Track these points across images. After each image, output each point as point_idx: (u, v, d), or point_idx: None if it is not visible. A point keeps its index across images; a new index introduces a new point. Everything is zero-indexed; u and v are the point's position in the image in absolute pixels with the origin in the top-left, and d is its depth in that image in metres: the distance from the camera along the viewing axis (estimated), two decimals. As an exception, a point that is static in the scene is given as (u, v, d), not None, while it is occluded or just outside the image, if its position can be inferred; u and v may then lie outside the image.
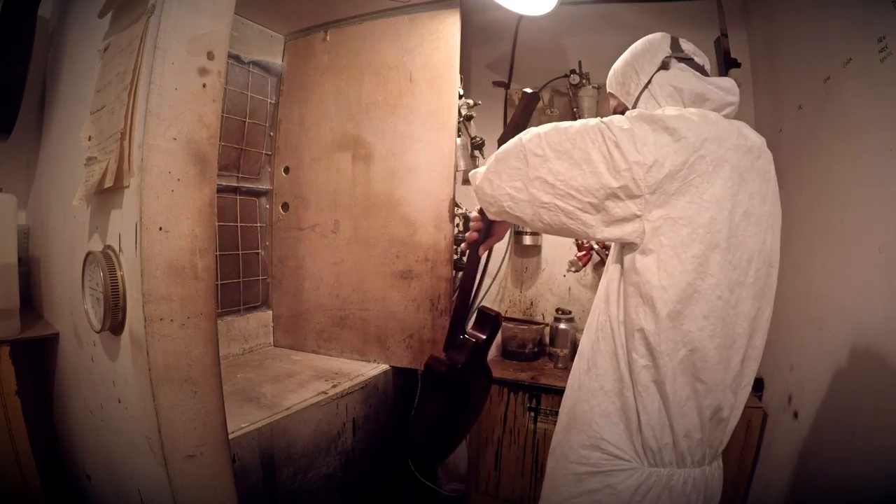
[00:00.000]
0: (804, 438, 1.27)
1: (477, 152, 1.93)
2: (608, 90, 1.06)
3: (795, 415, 1.34)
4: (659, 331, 0.79)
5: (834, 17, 1.26)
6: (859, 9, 1.14)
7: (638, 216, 0.78)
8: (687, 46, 0.96)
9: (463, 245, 1.12)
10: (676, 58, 0.93)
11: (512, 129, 0.97)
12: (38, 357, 1.41)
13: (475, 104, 1.87)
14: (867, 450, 1.01)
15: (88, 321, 0.98)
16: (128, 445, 0.97)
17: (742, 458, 1.57)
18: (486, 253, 1.27)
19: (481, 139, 1.91)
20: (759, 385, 1.62)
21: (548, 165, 0.80)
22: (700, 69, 0.93)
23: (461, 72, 1.74)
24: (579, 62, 1.98)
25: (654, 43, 0.96)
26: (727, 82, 0.93)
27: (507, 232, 1.09)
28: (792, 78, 1.52)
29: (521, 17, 2.07)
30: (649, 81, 0.93)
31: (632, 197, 0.77)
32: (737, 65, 1.80)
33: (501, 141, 0.95)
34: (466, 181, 2.29)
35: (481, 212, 1.07)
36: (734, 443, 1.55)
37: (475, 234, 1.11)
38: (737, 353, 0.83)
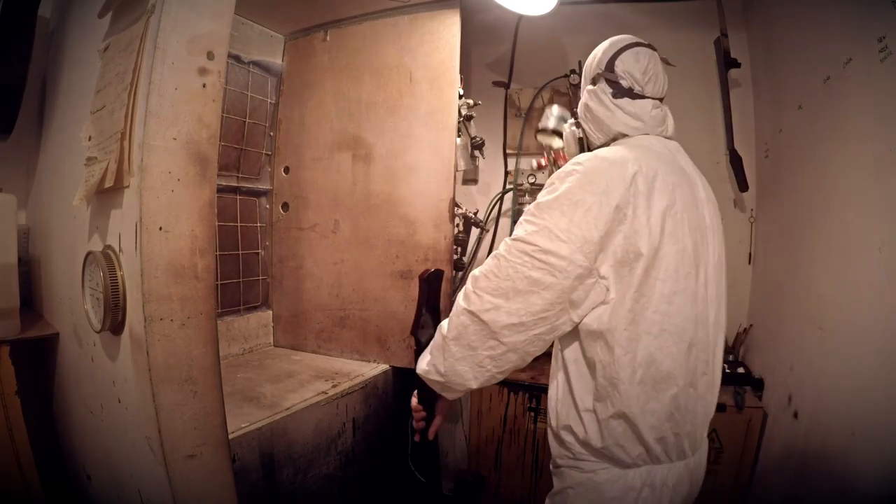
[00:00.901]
0: (804, 438, 1.27)
1: (477, 152, 1.93)
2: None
3: (795, 415, 1.34)
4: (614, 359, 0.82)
5: (834, 17, 1.26)
6: (859, 9, 1.14)
7: (602, 278, 0.81)
8: (622, 65, 0.95)
9: (416, 436, 1.03)
10: (605, 78, 0.96)
11: (423, 312, 1.00)
12: (38, 357, 1.41)
13: (475, 104, 1.87)
14: (867, 450, 1.01)
15: (88, 321, 0.98)
16: (128, 445, 0.97)
17: (742, 458, 1.57)
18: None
19: (481, 139, 1.91)
20: (759, 385, 1.62)
21: (505, 311, 0.78)
22: (626, 92, 0.94)
23: (461, 72, 1.74)
24: (579, 62, 1.98)
25: (599, 52, 1.00)
26: (636, 108, 0.94)
27: (450, 406, 1.01)
28: (792, 78, 1.52)
29: (521, 17, 2.07)
30: (581, 89, 1.03)
31: (588, 275, 0.79)
32: (737, 65, 1.80)
33: (417, 327, 0.97)
34: (466, 181, 2.30)
35: (423, 400, 0.98)
36: (734, 443, 1.56)
37: (422, 423, 1.01)
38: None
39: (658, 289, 0.80)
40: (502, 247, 0.82)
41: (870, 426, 1.02)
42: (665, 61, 1.01)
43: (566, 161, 0.88)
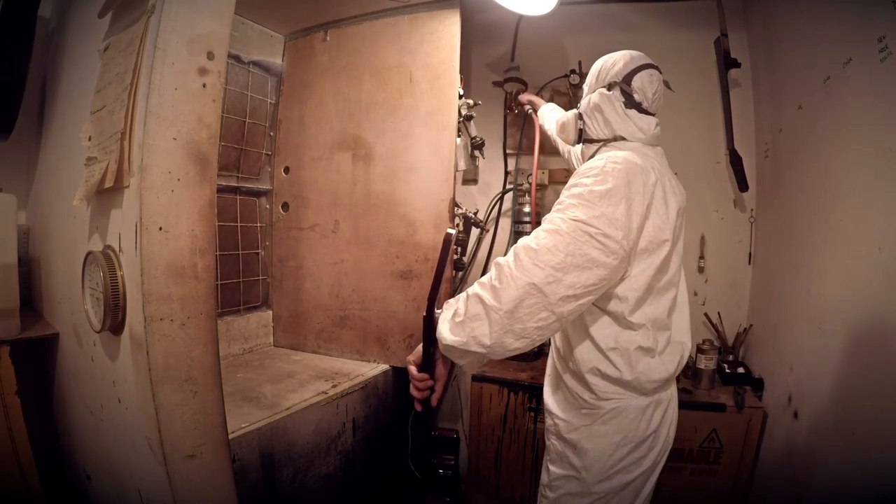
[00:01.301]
0: (804, 438, 1.27)
1: (477, 152, 1.93)
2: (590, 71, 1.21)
3: (795, 415, 1.34)
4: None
5: (834, 17, 1.26)
6: (859, 9, 1.14)
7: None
8: (639, 82, 1.09)
9: (417, 406, 1.02)
10: (621, 88, 1.09)
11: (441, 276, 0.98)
12: (38, 357, 1.41)
13: (475, 104, 1.87)
14: (867, 450, 1.01)
15: (88, 321, 0.99)
16: (128, 445, 0.97)
17: (742, 457, 1.57)
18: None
19: (481, 139, 1.91)
20: (759, 385, 1.62)
21: (564, 283, 0.86)
22: (636, 105, 1.09)
23: (461, 72, 1.74)
24: (579, 62, 1.98)
25: (619, 63, 1.11)
26: (644, 123, 1.09)
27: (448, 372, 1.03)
28: (792, 78, 1.52)
29: (521, 17, 2.07)
30: (594, 90, 1.12)
31: (627, 258, 0.93)
32: (737, 65, 1.80)
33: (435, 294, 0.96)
34: (466, 181, 2.30)
35: (426, 367, 0.98)
36: (734, 443, 1.56)
37: (426, 393, 1.00)
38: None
39: (673, 264, 1.02)
40: (558, 223, 0.89)
41: (870, 426, 1.02)
42: (666, 85, 1.15)
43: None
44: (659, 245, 0.97)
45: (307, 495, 1.43)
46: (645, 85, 1.09)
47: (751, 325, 1.79)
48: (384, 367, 1.80)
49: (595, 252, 0.87)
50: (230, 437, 0.99)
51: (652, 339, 1.00)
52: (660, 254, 0.97)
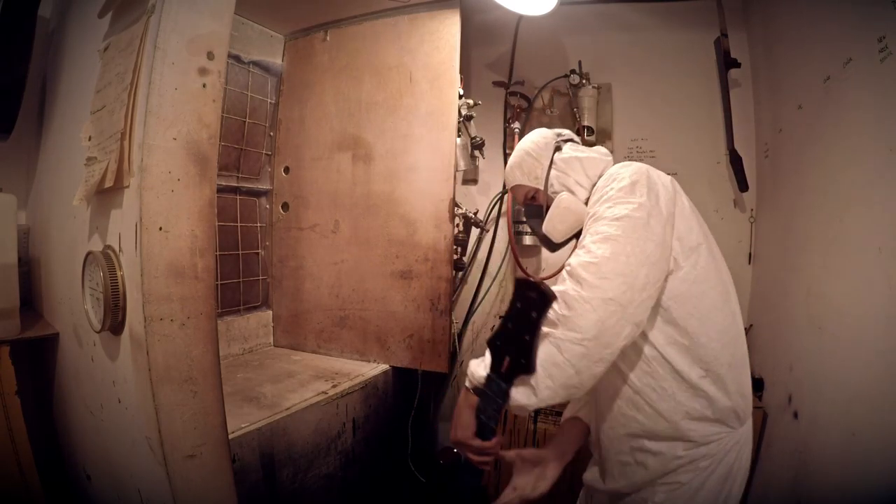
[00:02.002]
0: (804, 438, 1.27)
1: (477, 152, 1.93)
2: (510, 185, 1.20)
3: (795, 415, 1.34)
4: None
5: (834, 17, 1.26)
6: (859, 9, 1.14)
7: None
8: (565, 132, 1.17)
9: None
10: (564, 140, 1.14)
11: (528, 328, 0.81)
12: (38, 357, 1.41)
13: (475, 104, 1.87)
14: (867, 450, 1.01)
15: (88, 321, 0.98)
16: (128, 445, 0.97)
17: (742, 458, 1.56)
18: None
19: (481, 139, 1.90)
20: (759, 385, 1.62)
21: (636, 287, 0.82)
22: (578, 143, 1.16)
23: (461, 72, 1.74)
24: (579, 62, 1.98)
25: (542, 135, 1.16)
26: (598, 149, 1.15)
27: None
28: (792, 78, 1.52)
29: (521, 17, 2.07)
30: (552, 163, 1.12)
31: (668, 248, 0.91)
32: (737, 65, 1.80)
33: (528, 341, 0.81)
34: (466, 181, 2.30)
35: (484, 432, 0.88)
36: (734, 443, 1.56)
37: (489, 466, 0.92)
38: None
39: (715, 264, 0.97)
40: (605, 230, 0.85)
41: (870, 426, 1.02)
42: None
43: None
44: (694, 249, 0.93)
45: (307, 495, 1.43)
46: (568, 132, 1.19)
47: (751, 325, 1.79)
48: (384, 367, 1.80)
49: (655, 256, 0.85)
50: (230, 437, 0.99)
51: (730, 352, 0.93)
52: (695, 259, 0.92)
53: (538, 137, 1.16)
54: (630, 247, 0.83)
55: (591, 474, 1.11)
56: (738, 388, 0.93)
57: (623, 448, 0.98)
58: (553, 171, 1.12)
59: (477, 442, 0.88)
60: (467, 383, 0.90)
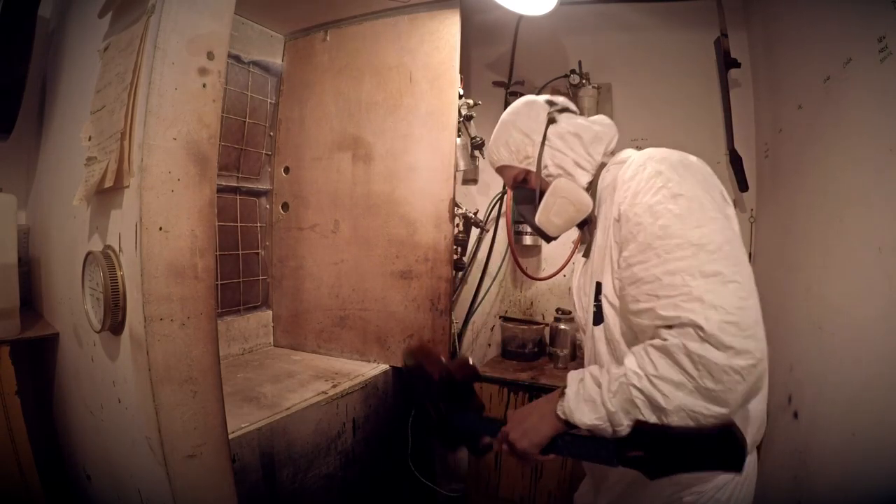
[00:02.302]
0: (804, 438, 1.27)
1: (477, 152, 1.93)
2: (496, 166, 1.05)
3: (795, 415, 1.34)
4: None
5: (834, 17, 1.26)
6: (859, 9, 1.14)
7: None
8: (559, 99, 1.00)
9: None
10: (558, 110, 0.98)
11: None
12: (38, 357, 1.41)
13: (475, 104, 1.87)
14: (867, 450, 1.01)
15: (88, 321, 0.98)
16: (128, 445, 0.97)
17: (742, 458, 1.56)
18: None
19: (481, 139, 1.90)
20: (759, 385, 1.62)
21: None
22: (576, 114, 1.00)
23: (461, 72, 1.74)
24: (579, 62, 1.98)
25: (530, 105, 1.00)
26: (601, 118, 1.00)
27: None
28: (792, 78, 1.51)
29: (521, 17, 2.07)
30: (545, 138, 0.96)
31: None
32: (737, 65, 1.80)
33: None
34: (466, 181, 2.30)
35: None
36: (734, 443, 1.56)
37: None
38: None
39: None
40: (719, 265, 0.71)
41: (870, 426, 1.02)
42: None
43: None
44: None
45: (307, 495, 1.43)
46: (564, 99, 1.02)
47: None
48: (384, 367, 1.80)
49: (741, 251, 0.75)
50: (230, 437, 0.99)
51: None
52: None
53: (526, 108, 1.00)
54: (746, 283, 0.70)
55: (583, 496, 1.08)
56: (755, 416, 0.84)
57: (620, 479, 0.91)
58: (547, 150, 0.96)
59: (538, 457, 0.82)
60: (568, 409, 0.77)
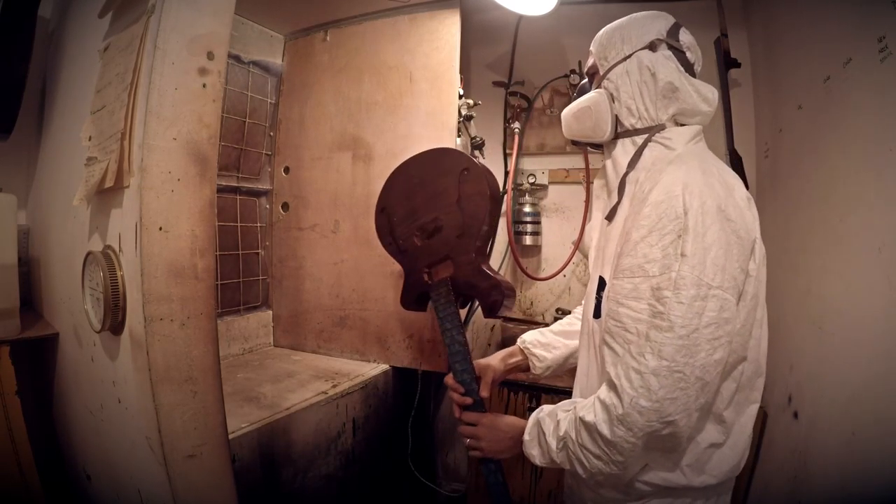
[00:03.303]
0: (804, 438, 1.27)
1: (477, 152, 1.93)
2: (591, 47, 0.98)
3: (795, 415, 1.34)
4: None
5: (834, 17, 1.26)
6: (859, 9, 1.14)
7: None
8: (685, 38, 0.89)
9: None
10: (668, 44, 0.86)
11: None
12: (38, 357, 1.41)
13: (475, 104, 1.87)
14: (867, 450, 1.01)
15: (88, 321, 0.98)
16: (128, 445, 0.97)
17: (742, 458, 1.56)
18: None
19: (481, 139, 1.90)
20: (759, 385, 1.62)
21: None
22: (688, 66, 0.88)
23: (461, 72, 1.74)
24: (579, 62, 1.98)
25: (651, 19, 0.89)
26: (708, 90, 0.87)
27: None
28: (792, 78, 1.51)
29: (521, 17, 2.07)
30: (629, 56, 0.87)
31: None
32: (737, 65, 1.80)
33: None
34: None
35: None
36: (734, 443, 1.56)
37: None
38: None
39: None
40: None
41: (870, 426, 1.02)
42: None
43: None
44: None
45: (307, 495, 1.43)
46: (692, 42, 0.88)
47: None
48: (384, 367, 1.80)
49: (721, 331, 0.74)
50: (230, 437, 0.99)
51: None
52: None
53: (644, 20, 0.90)
54: (690, 375, 0.73)
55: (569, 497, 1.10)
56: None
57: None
58: (621, 67, 0.87)
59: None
60: (527, 451, 0.89)
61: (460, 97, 1.77)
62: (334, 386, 1.58)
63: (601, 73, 0.91)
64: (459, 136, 1.80)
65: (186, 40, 0.85)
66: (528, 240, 2.14)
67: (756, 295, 0.80)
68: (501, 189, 2.20)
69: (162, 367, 0.83)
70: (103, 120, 0.96)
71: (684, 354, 0.71)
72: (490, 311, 1.05)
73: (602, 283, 0.90)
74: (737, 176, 0.86)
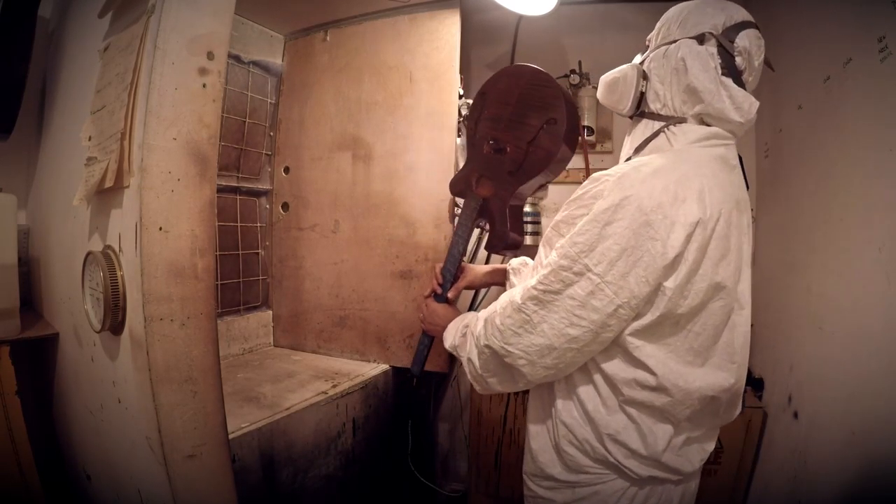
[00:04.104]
0: (804, 438, 1.27)
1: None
2: (662, 24, 0.92)
3: (795, 415, 1.34)
4: None
5: (834, 17, 1.26)
6: (859, 9, 1.14)
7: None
8: (743, 42, 0.79)
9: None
10: (719, 43, 0.78)
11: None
12: (38, 357, 1.41)
13: (475, 104, 1.87)
14: (867, 449, 1.01)
15: (88, 321, 0.98)
16: (128, 445, 0.97)
17: (742, 458, 1.57)
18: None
19: (481, 139, 1.90)
20: (759, 385, 1.62)
21: None
22: (734, 71, 0.80)
23: (461, 72, 1.74)
24: (579, 62, 1.98)
25: (716, 10, 0.81)
26: (745, 100, 0.80)
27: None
28: (792, 78, 1.52)
29: (521, 17, 2.07)
30: (675, 41, 0.82)
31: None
32: (737, 65, 1.80)
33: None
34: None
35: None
36: (734, 442, 1.56)
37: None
38: None
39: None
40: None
41: (870, 426, 1.02)
42: (767, 64, 0.85)
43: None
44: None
45: (307, 496, 1.43)
46: (752, 47, 0.79)
47: (751, 325, 1.79)
48: (384, 367, 1.80)
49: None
50: (230, 437, 0.98)
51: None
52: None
53: (709, 7, 0.82)
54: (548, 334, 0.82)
55: None
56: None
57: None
58: (663, 49, 0.84)
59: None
60: (454, 328, 1.07)
61: (460, 97, 1.77)
62: (334, 386, 1.58)
63: (651, 46, 0.90)
64: (459, 135, 1.80)
65: (186, 40, 0.85)
66: (527, 240, 2.13)
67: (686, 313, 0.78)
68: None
69: (162, 367, 0.83)
70: (103, 120, 0.96)
71: (536, 304, 0.79)
72: (488, 248, 1.29)
73: None
74: (721, 200, 0.81)
